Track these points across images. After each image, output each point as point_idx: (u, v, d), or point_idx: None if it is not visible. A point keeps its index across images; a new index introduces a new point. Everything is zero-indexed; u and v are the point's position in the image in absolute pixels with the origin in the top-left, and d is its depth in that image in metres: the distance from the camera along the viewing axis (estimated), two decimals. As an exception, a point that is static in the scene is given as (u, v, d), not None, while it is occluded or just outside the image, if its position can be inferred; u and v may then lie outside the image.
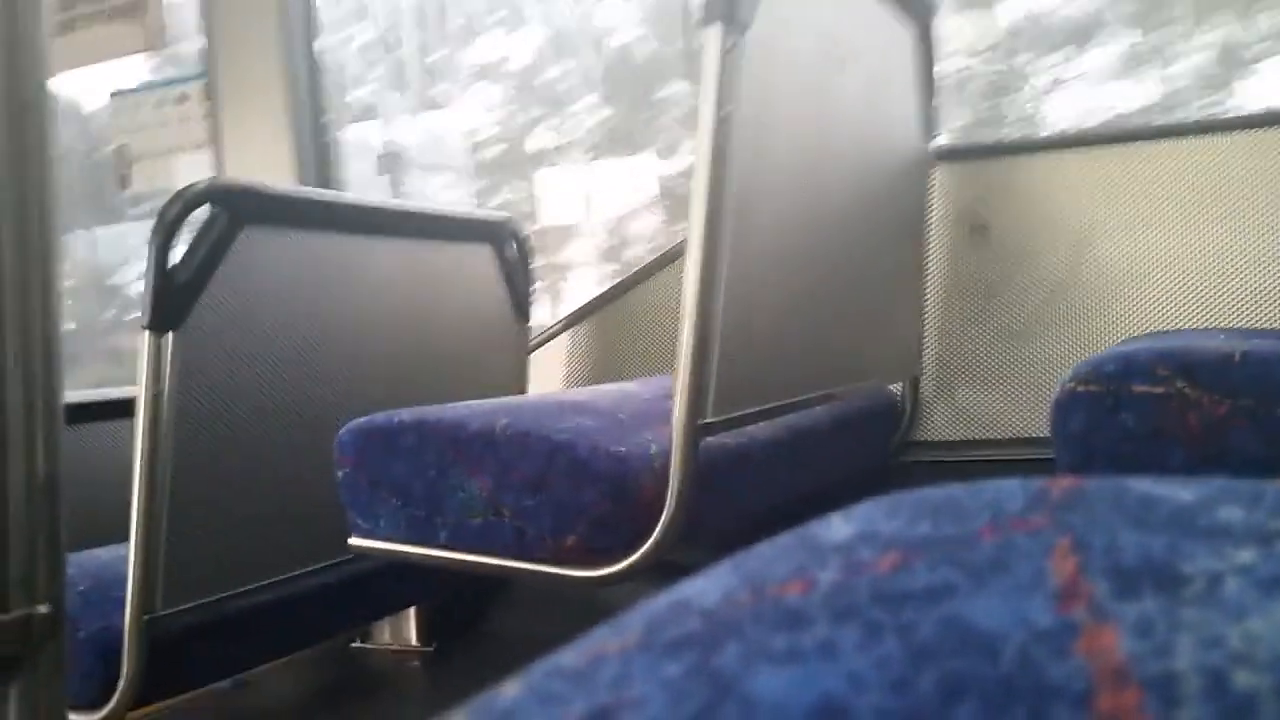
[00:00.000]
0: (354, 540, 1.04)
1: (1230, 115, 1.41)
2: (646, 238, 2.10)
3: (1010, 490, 0.28)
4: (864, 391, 1.38)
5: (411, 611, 1.79)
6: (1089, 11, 1.73)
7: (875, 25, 1.23)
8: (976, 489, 0.29)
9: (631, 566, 0.90)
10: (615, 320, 1.72)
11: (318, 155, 2.00)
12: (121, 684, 1.05)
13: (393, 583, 1.41)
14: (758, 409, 0.99)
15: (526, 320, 1.64)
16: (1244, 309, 1.37)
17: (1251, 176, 1.36)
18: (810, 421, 1.24)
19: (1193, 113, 1.67)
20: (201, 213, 1.10)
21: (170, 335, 1.05)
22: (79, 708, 1.06)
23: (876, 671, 0.19)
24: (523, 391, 1.64)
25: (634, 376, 1.67)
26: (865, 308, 1.27)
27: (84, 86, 2.51)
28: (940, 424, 1.53)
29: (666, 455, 0.89)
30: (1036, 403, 1.47)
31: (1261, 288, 1.36)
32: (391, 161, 2.29)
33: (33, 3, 0.66)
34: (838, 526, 0.28)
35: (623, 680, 0.21)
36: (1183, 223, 1.40)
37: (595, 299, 1.75)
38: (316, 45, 2.01)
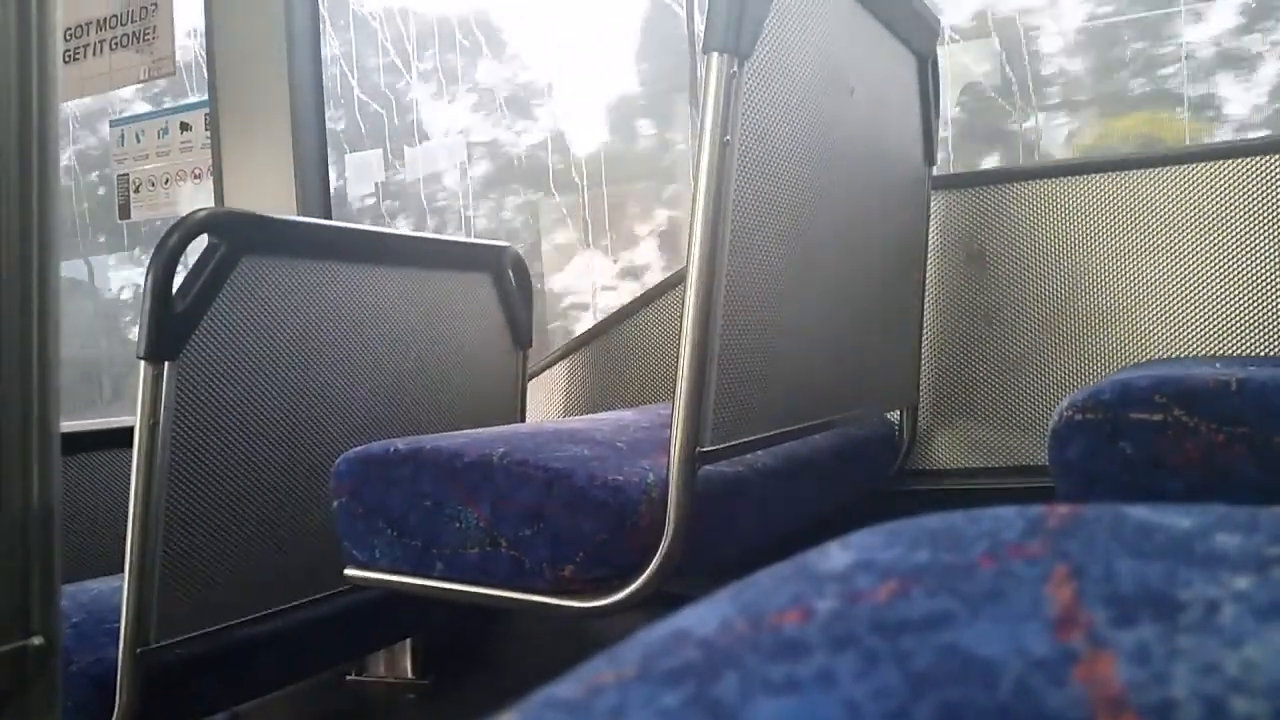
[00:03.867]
0: (350, 571, 1.04)
1: (1227, 142, 1.43)
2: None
3: (1008, 518, 0.28)
4: (862, 420, 1.38)
5: (408, 643, 1.77)
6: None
7: (877, 54, 1.24)
8: (974, 517, 0.29)
9: (629, 596, 0.89)
10: (614, 348, 1.72)
11: (319, 184, 2.02)
12: (115, 717, 1.04)
13: (389, 614, 1.40)
14: (756, 437, 0.98)
15: (524, 348, 1.64)
16: (1242, 336, 1.38)
17: (1249, 203, 1.37)
18: (808, 450, 1.23)
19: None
20: (200, 242, 1.11)
21: (167, 365, 1.05)
22: (71, 741, 1.05)
23: (875, 701, 0.19)
24: (520, 419, 1.64)
25: (632, 405, 1.67)
26: (865, 336, 1.28)
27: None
28: (938, 452, 1.53)
29: (664, 484, 0.88)
30: (1034, 431, 1.47)
31: (1259, 315, 1.37)
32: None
33: (44, 30, 0.66)
34: (835, 555, 0.28)
35: (620, 711, 0.21)
36: (1180, 250, 1.40)
37: (594, 327, 1.75)
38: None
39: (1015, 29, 1.79)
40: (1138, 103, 1.77)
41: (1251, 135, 1.59)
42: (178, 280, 1.08)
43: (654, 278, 2.02)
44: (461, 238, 2.17)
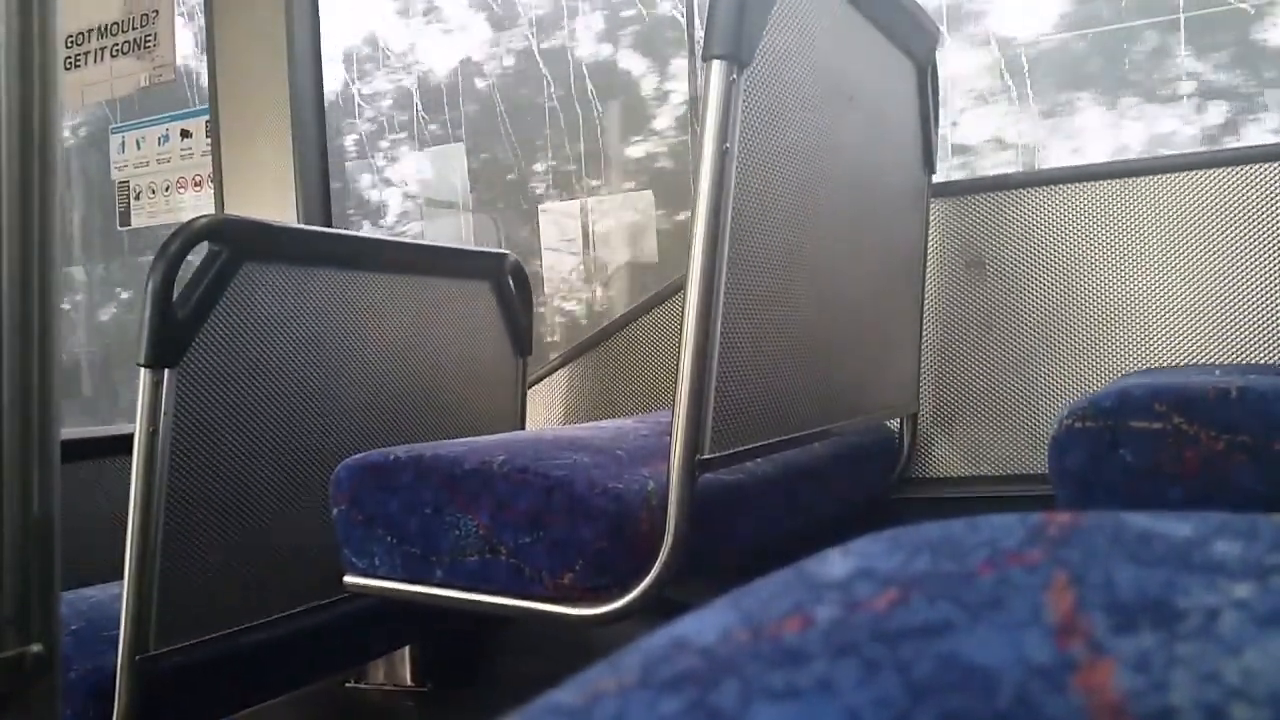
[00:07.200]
0: (349, 579, 1.03)
1: (1226, 149, 1.43)
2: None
3: (1008, 526, 0.28)
4: (862, 427, 1.38)
5: (407, 651, 1.77)
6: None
7: (876, 61, 1.25)
8: (975, 524, 0.29)
9: (629, 604, 0.89)
10: (614, 355, 1.72)
11: (320, 191, 2.02)
12: (113, 725, 1.04)
13: (388, 622, 1.39)
14: (756, 445, 0.98)
15: (524, 356, 1.64)
16: (1241, 344, 1.38)
17: (1248, 211, 1.37)
18: (808, 457, 1.23)
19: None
20: (202, 248, 1.11)
21: (167, 372, 1.05)
22: (69, 749, 1.05)
23: (875, 709, 0.19)
24: (520, 427, 1.64)
25: (632, 412, 1.67)
26: (865, 343, 1.28)
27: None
28: (938, 460, 1.53)
29: (664, 492, 0.88)
30: (1035, 438, 1.47)
31: (1258, 323, 1.37)
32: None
33: (45, 37, 0.66)
34: (836, 563, 0.28)
35: (621, 718, 0.21)
36: (1179, 258, 1.41)
37: (594, 334, 1.76)
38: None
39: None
40: None
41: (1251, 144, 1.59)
42: (178, 287, 1.08)
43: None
44: (462, 245, 2.17)
